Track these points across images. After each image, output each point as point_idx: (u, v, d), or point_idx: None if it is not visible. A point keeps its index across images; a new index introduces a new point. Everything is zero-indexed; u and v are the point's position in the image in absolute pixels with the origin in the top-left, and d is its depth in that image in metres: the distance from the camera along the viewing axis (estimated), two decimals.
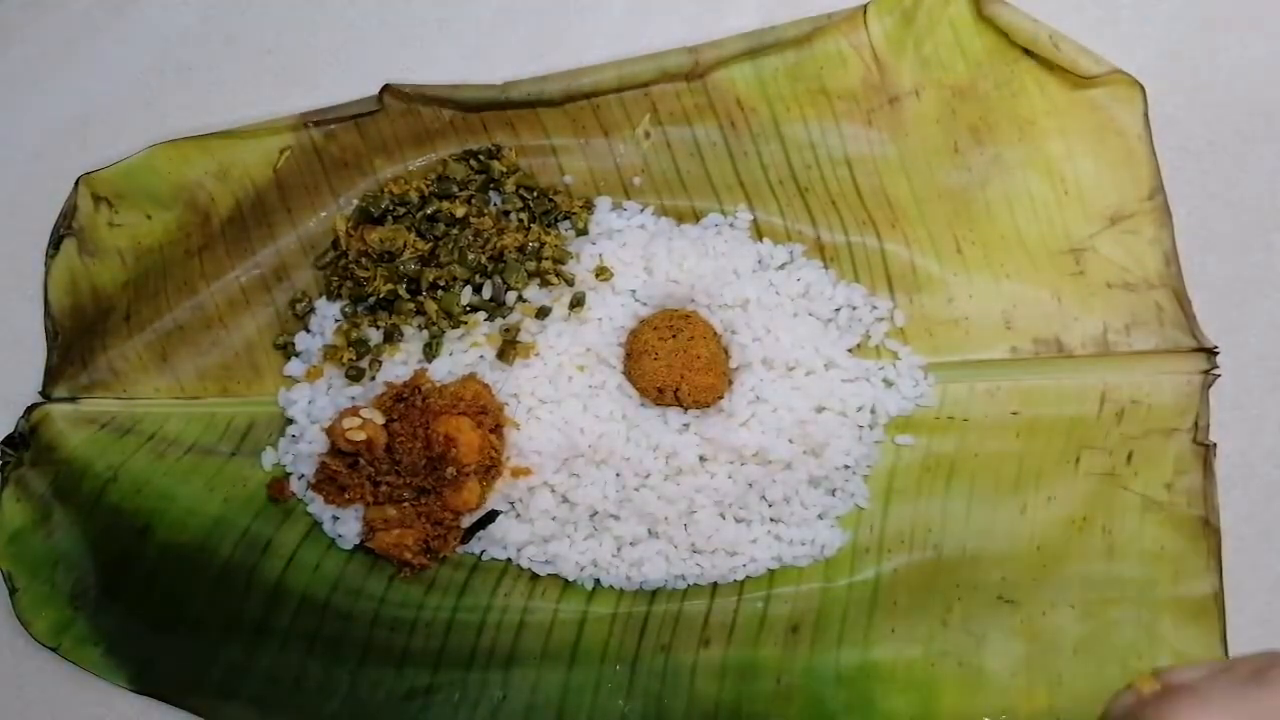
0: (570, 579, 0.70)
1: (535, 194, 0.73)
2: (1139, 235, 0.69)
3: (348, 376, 0.71)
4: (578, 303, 0.70)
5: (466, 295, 0.70)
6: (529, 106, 0.72)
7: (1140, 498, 0.67)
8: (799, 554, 0.69)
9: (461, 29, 0.75)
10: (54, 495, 0.70)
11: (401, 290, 0.71)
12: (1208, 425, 0.67)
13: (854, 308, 0.72)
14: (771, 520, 0.70)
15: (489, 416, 0.67)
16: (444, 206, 0.72)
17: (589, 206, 0.74)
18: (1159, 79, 0.68)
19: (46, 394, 0.72)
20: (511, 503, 0.69)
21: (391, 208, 0.73)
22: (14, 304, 0.73)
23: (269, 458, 0.72)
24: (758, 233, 0.73)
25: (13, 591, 0.68)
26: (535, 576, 0.71)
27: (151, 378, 0.74)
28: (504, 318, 0.70)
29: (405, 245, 0.71)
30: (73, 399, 0.72)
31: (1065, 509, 0.68)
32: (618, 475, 0.68)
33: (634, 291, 0.71)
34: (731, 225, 0.73)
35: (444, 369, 0.70)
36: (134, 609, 0.69)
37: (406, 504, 0.68)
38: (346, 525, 0.70)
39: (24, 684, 0.70)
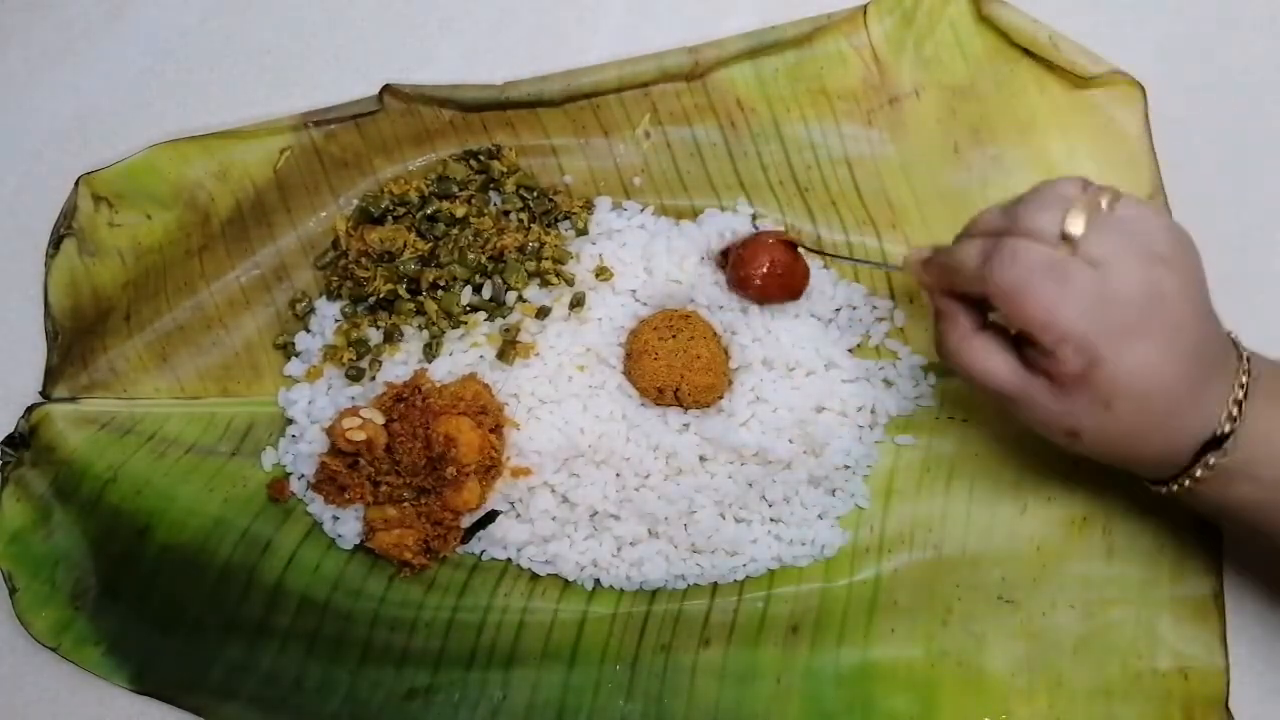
0: (570, 579, 0.70)
1: (535, 194, 0.73)
2: None
3: (348, 376, 0.71)
4: (578, 303, 0.70)
5: (466, 295, 0.70)
6: (529, 106, 0.72)
7: (1140, 498, 0.67)
8: (799, 554, 0.69)
9: (461, 29, 0.75)
10: (54, 495, 0.70)
11: (401, 290, 0.71)
12: None
13: (854, 308, 0.72)
14: (771, 520, 0.70)
15: (489, 416, 0.67)
16: (444, 206, 0.72)
17: (589, 206, 0.74)
18: (1159, 79, 0.68)
19: (46, 394, 0.72)
20: (511, 503, 0.69)
21: (391, 208, 0.73)
22: (14, 304, 0.73)
23: (269, 458, 0.72)
24: None
25: (13, 591, 0.68)
26: (535, 576, 0.71)
27: (151, 378, 0.74)
28: (504, 318, 0.70)
29: (405, 245, 0.71)
30: (73, 399, 0.73)
31: (1065, 509, 0.67)
32: (618, 475, 0.68)
33: (634, 291, 0.71)
34: (733, 219, 0.73)
35: (444, 369, 0.70)
36: (134, 609, 0.69)
37: (406, 504, 0.68)
38: (346, 525, 0.70)
39: (24, 684, 0.70)
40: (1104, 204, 0.52)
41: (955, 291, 0.57)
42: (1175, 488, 0.56)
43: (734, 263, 0.68)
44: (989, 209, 0.57)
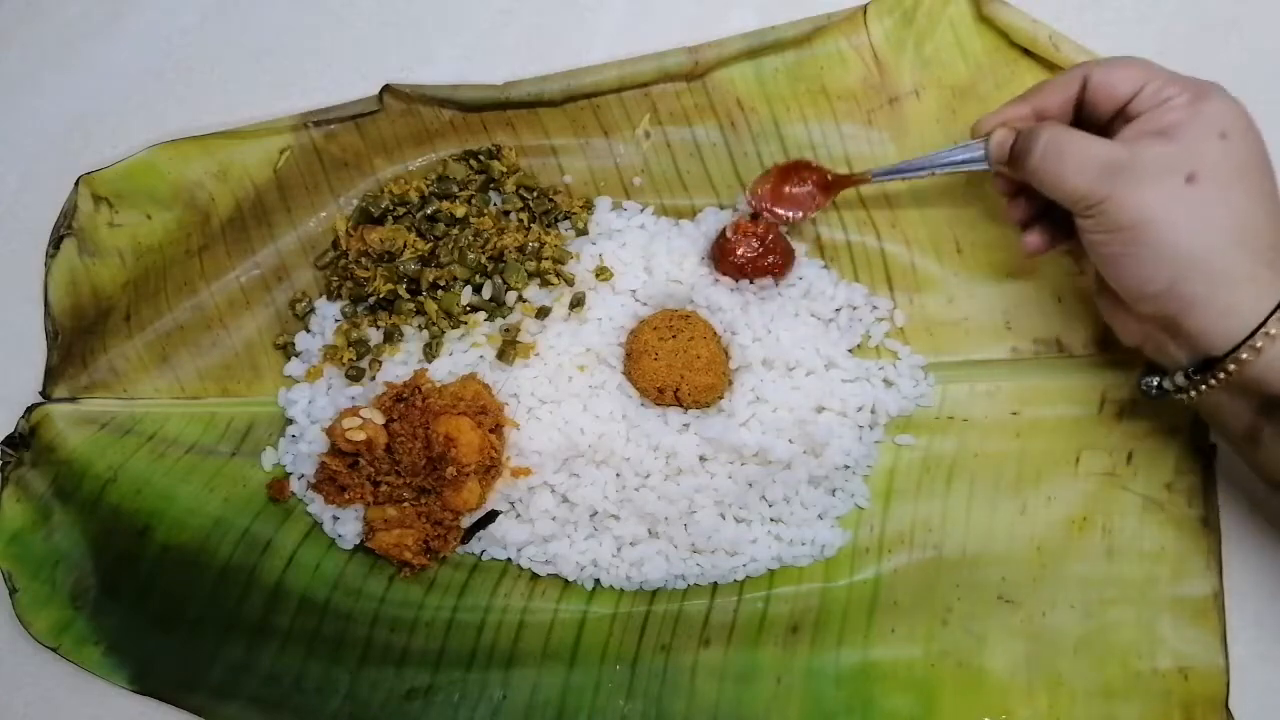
0: (570, 579, 0.70)
1: (535, 194, 0.73)
2: None
3: (348, 376, 0.71)
4: (578, 303, 0.70)
5: (466, 295, 0.70)
6: (529, 106, 0.72)
7: (1140, 498, 0.67)
8: (799, 554, 0.69)
9: (461, 29, 0.75)
10: (54, 495, 0.70)
11: (401, 290, 0.71)
12: (1208, 426, 0.67)
13: (854, 307, 0.72)
14: (771, 520, 0.70)
15: (489, 416, 0.67)
16: (444, 206, 0.72)
17: (589, 206, 0.74)
18: None
19: (46, 394, 0.72)
20: (511, 503, 0.69)
21: (391, 208, 0.73)
22: (14, 304, 0.73)
23: (269, 458, 0.72)
24: None
25: (13, 592, 0.68)
26: (535, 576, 0.71)
27: (151, 378, 0.74)
28: (504, 318, 0.70)
29: (405, 245, 0.71)
30: (73, 399, 0.73)
31: (1065, 509, 0.68)
32: (618, 475, 0.68)
33: (634, 291, 0.71)
34: (732, 217, 0.73)
35: (444, 369, 0.70)
36: (134, 609, 0.69)
37: (406, 504, 0.68)
38: (346, 525, 0.70)
39: (24, 684, 0.70)
40: None
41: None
42: (1252, 346, 0.53)
43: (720, 244, 0.69)
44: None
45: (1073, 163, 0.55)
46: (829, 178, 0.69)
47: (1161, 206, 0.53)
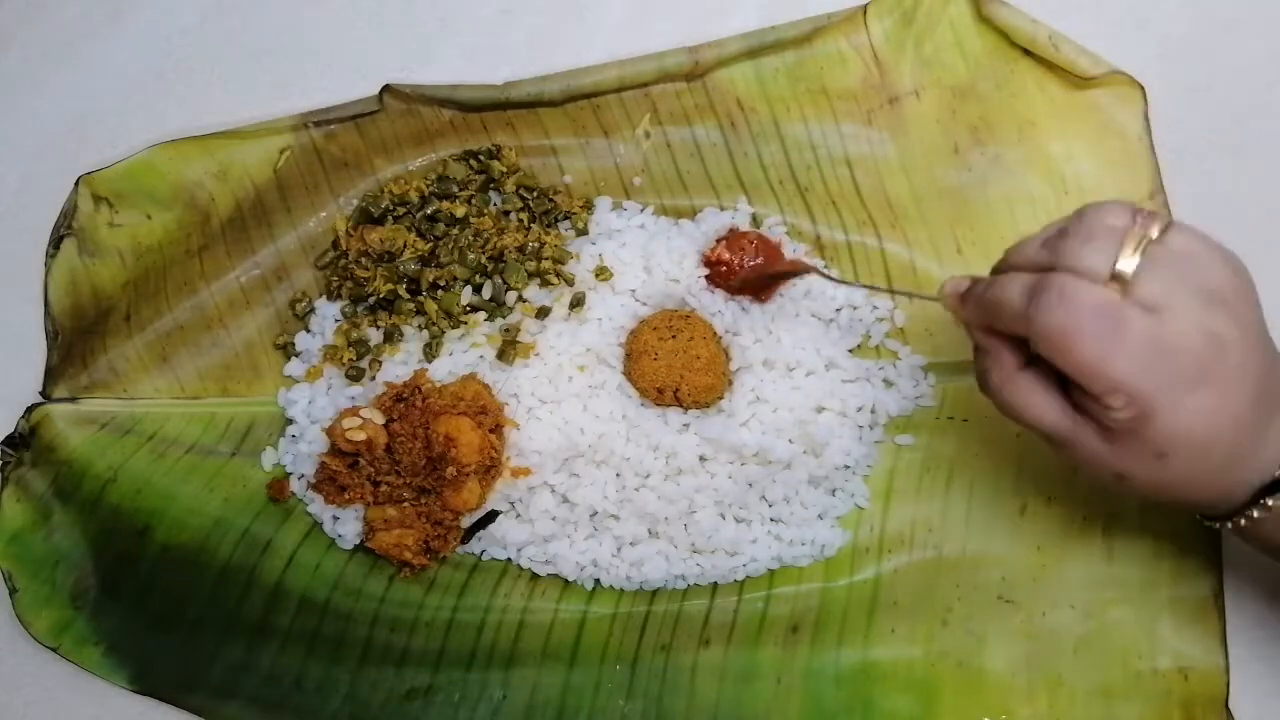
0: (570, 579, 0.70)
1: (535, 194, 0.73)
2: None
3: (348, 376, 0.71)
4: (578, 303, 0.70)
5: (466, 295, 0.70)
6: (529, 106, 0.72)
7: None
8: (799, 554, 0.69)
9: (461, 29, 0.75)
10: (54, 495, 0.70)
11: (401, 290, 0.71)
12: None
13: (855, 308, 0.72)
14: (771, 520, 0.70)
15: (489, 416, 0.67)
16: (444, 206, 0.72)
17: (589, 206, 0.74)
18: (1159, 79, 0.68)
19: (46, 394, 0.72)
20: (511, 503, 0.69)
21: (391, 208, 0.73)
22: (14, 304, 0.73)
23: (269, 458, 0.72)
24: None
25: (13, 592, 0.68)
26: (535, 576, 0.71)
27: (151, 378, 0.74)
28: (504, 318, 0.70)
29: (405, 245, 0.71)
30: (73, 399, 0.73)
31: (1065, 509, 0.67)
32: (618, 475, 0.68)
33: (634, 291, 0.71)
34: (732, 218, 0.73)
35: (444, 369, 0.70)
36: (134, 609, 0.68)
37: (406, 504, 0.68)
38: (346, 525, 0.70)
39: (24, 684, 0.70)
40: (1154, 233, 0.48)
41: (996, 327, 0.53)
42: (1229, 525, 0.54)
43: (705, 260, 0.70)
44: (1028, 239, 0.53)
45: (1022, 413, 0.53)
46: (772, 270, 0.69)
47: (1095, 475, 0.52)
